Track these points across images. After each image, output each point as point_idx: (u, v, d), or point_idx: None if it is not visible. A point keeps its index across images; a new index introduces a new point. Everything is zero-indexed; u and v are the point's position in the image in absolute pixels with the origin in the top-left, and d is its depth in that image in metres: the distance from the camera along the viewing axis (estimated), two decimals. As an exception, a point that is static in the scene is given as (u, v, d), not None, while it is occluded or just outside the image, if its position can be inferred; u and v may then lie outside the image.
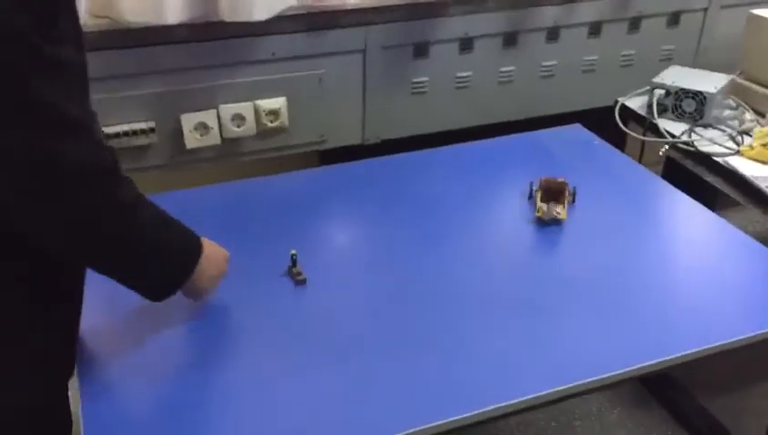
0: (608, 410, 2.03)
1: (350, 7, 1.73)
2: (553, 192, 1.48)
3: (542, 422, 1.97)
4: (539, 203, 1.47)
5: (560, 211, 1.45)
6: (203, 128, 1.72)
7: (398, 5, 1.78)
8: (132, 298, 1.24)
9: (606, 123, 1.86)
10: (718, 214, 1.52)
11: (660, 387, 2.05)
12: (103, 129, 1.64)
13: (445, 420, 1.04)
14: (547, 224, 1.45)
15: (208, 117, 1.71)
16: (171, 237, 1.04)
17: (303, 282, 1.27)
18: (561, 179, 1.50)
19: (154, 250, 1.01)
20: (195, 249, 1.08)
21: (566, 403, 2.00)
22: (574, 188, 1.52)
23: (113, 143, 1.65)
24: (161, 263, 1.03)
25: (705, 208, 1.53)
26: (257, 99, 1.75)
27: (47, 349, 1.03)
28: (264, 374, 1.11)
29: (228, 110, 1.73)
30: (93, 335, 1.16)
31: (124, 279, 1.03)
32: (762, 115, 1.80)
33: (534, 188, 1.53)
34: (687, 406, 2.00)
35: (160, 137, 1.70)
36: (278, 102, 1.77)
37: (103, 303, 1.22)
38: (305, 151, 1.90)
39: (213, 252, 1.12)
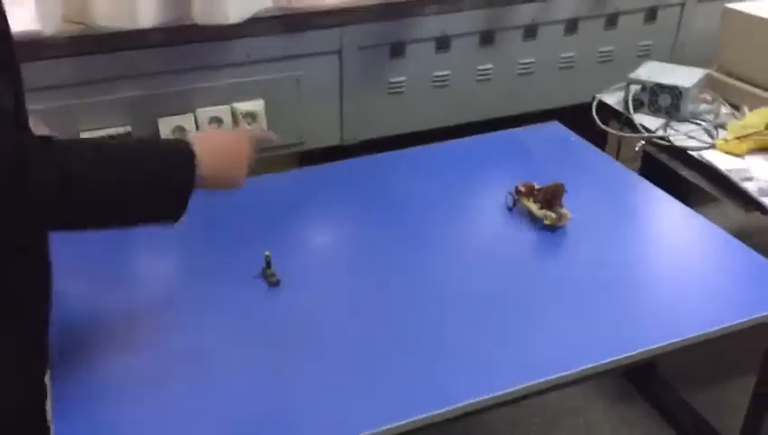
0: (592, 404, 2.04)
1: (324, 8, 1.73)
2: (552, 195, 1.45)
3: (526, 417, 1.98)
4: (539, 211, 1.44)
5: (565, 214, 1.44)
6: (180, 131, 1.71)
7: (373, 5, 1.79)
8: (104, 298, 1.27)
9: (586, 120, 1.87)
10: (696, 209, 1.53)
11: (644, 382, 2.06)
12: (80, 133, 1.64)
13: (420, 417, 1.04)
14: (526, 223, 1.46)
15: (185, 120, 1.71)
16: (144, 172, 0.94)
17: (277, 283, 1.28)
18: (548, 182, 1.47)
19: (127, 197, 0.93)
20: (183, 164, 0.97)
21: (550, 398, 2.03)
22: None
23: (90, 148, 1.65)
24: (150, 201, 0.95)
25: (680, 203, 1.54)
26: (234, 101, 1.75)
27: (42, 346, 1.03)
28: (232, 374, 1.11)
29: (205, 113, 1.73)
30: (65, 337, 1.16)
31: (129, 227, 0.98)
32: (737, 109, 1.82)
33: (514, 197, 1.49)
34: (670, 400, 2.01)
35: (137, 141, 1.70)
36: (255, 105, 1.77)
37: (73, 304, 1.23)
38: (284, 153, 1.90)
39: (215, 147, 1.03)
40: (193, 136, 1.01)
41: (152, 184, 0.94)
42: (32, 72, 1.53)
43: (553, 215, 1.44)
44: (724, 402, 1.95)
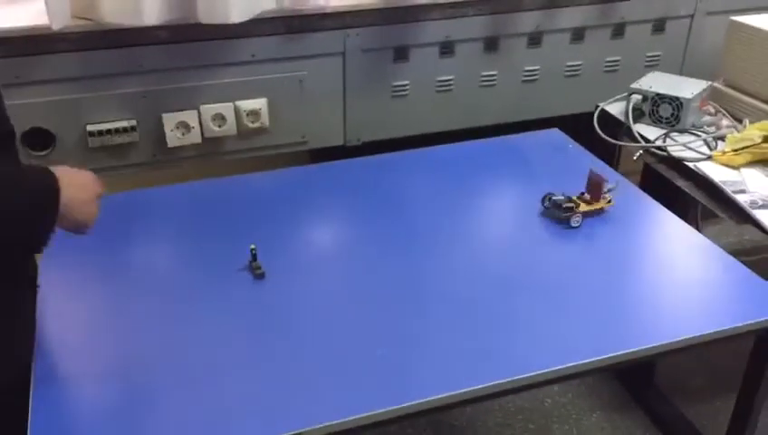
0: (586, 412, 2.04)
1: (328, 10, 1.77)
2: (596, 187, 1.52)
3: (519, 425, 1.99)
4: (593, 205, 1.50)
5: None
6: (184, 127, 1.76)
7: (377, 9, 1.81)
8: (90, 289, 1.31)
9: (590, 129, 1.88)
10: (702, 222, 1.54)
11: (640, 390, 2.06)
12: (86, 126, 1.69)
13: (398, 406, 1.07)
14: (513, 226, 1.49)
15: (189, 117, 1.76)
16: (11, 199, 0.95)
17: (262, 276, 1.31)
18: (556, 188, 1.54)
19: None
20: (49, 192, 0.99)
21: (543, 404, 2.04)
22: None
23: (96, 141, 1.70)
24: (16, 227, 0.96)
25: (669, 212, 1.54)
26: (238, 99, 1.79)
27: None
28: (216, 364, 1.14)
29: (209, 110, 1.77)
30: (50, 327, 1.20)
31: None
32: (740, 121, 1.81)
33: (576, 214, 1.50)
34: (667, 412, 2.00)
35: (142, 135, 1.74)
36: (259, 103, 1.81)
37: (58, 295, 1.27)
38: (288, 152, 1.94)
39: (72, 178, 1.03)
40: (53, 168, 1.02)
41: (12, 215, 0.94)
42: (40, 66, 1.61)
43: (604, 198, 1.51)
44: (719, 415, 1.93)
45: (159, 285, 1.32)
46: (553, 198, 1.51)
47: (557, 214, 1.50)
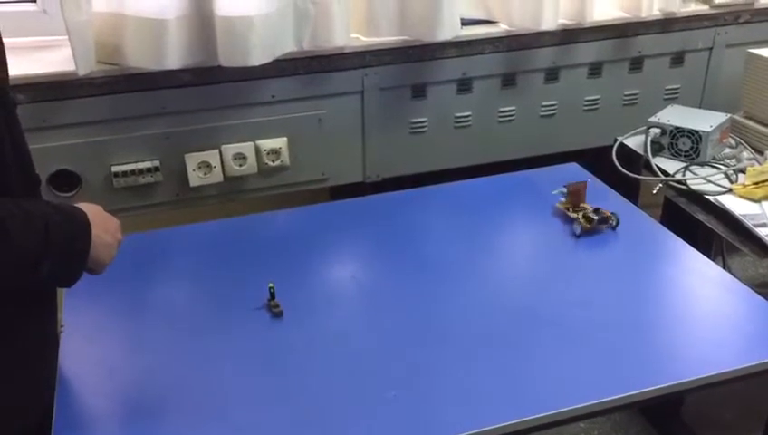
0: (612, 450, 2.01)
1: (347, 50, 1.80)
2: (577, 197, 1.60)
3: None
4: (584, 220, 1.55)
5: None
6: (206, 167, 1.79)
7: (395, 48, 1.84)
8: (108, 326, 1.33)
9: (609, 162, 1.88)
10: (728, 256, 1.51)
11: (668, 427, 2.02)
12: (111, 167, 1.73)
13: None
14: (533, 261, 1.48)
15: (211, 156, 1.79)
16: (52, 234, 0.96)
17: (280, 314, 1.32)
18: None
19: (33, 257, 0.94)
20: (83, 228, 1.02)
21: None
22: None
23: (120, 181, 1.74)
24: (53, 262, 0.97)
25: (688, 245, 1.52)
26: (258, 139, 1.82)
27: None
28: (233, 404, 1.14)
29: (230, 150, 1.80)
30: (67, 363, 1.22)
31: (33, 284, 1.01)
32: (760, 153, 1.80)
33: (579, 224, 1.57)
34: (695, 449, 1.97)
35: (165, 175, 1.78)
36: (279, 142, 1.84)
37: (79, 333, 1.29)
38: (309, 189, 1.96)
39: (101, 220, 1.07)
40: (83, 205, 1.05)
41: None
42: (67, 110, 1.66)
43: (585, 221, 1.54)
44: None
45: (179, 323, 1.33)
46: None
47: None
